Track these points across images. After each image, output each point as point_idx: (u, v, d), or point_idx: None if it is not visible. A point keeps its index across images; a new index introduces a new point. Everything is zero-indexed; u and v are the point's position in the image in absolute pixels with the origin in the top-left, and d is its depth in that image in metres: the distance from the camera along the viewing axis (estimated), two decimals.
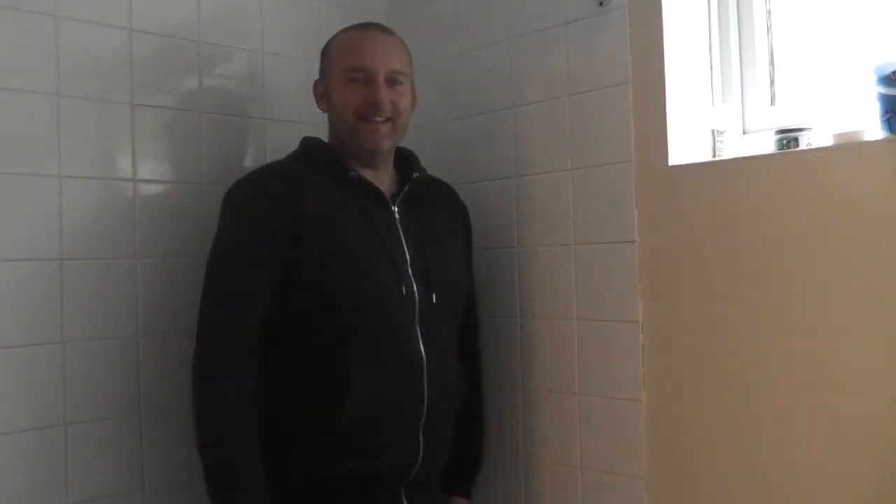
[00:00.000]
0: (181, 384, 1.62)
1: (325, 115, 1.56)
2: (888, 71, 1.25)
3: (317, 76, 1.58)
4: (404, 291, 1.44)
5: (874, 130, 1.29)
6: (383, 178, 1.54)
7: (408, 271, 1.46)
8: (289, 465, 1.41)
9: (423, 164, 1.63)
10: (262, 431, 1.39)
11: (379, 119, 1.47)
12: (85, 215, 1.52)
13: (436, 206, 1.60)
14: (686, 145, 1.53)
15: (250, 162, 1.76)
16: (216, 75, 1.73)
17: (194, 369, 1.40)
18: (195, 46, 1.69)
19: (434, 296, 1.48)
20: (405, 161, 1.60)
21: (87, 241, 1.52)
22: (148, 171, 1.62)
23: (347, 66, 1.48)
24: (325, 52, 1.56)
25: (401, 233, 1.49)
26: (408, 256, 1.48)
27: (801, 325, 1.33)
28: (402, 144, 1.61)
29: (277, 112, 1.80)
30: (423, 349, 1.45)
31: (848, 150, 1.31)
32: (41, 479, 1.45)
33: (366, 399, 1.39)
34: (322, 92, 1.55)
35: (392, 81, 1.49)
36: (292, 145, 1.59)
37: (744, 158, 1.47)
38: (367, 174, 1.51)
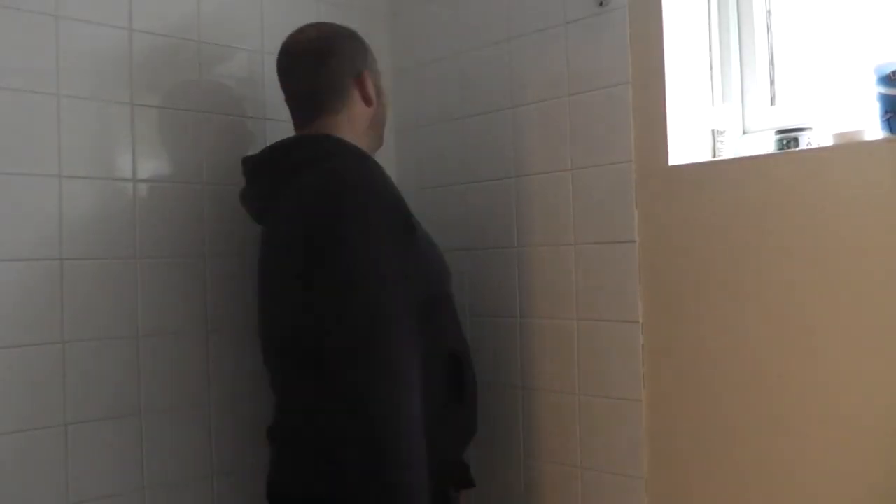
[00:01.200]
0: (181, 384, 1.63)
1: (361, 108, 1.50)
2: (888, 71, 1.25)
3: None
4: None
5: (874, 130, 1.29)
6: None
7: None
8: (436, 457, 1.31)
9: (423, 164, 1.66)
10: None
11: None
12: (85, 215, 1.52)
13: None
14: (686, 145, 1.53)
15: None
16: (216, 75, 1.73)
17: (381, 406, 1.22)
18: (195, 46, 1.69)
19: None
20: None
21: (87, 241, 1.52)
22: (148, 171, 1.62)
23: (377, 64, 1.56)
24: (362, 49, 1.53)
25: None
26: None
27: (801, 325, 1.33)
28: (399, 142, 1.61)
29: (277, 112, 1.79)
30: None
31: (848, 150, 1.31)
32: (41, 479, 1.45)
33: (471, 372, 1.48)
34: (372, 84, 1.51)
35: None
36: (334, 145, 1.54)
37: (744, 158, 1.47)
38: None
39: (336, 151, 1.41)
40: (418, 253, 1.34)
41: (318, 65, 1.48)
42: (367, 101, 1.50)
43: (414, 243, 1.33)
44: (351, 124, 1.49)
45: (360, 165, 1.37)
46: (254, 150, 1.77)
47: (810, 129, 1.42)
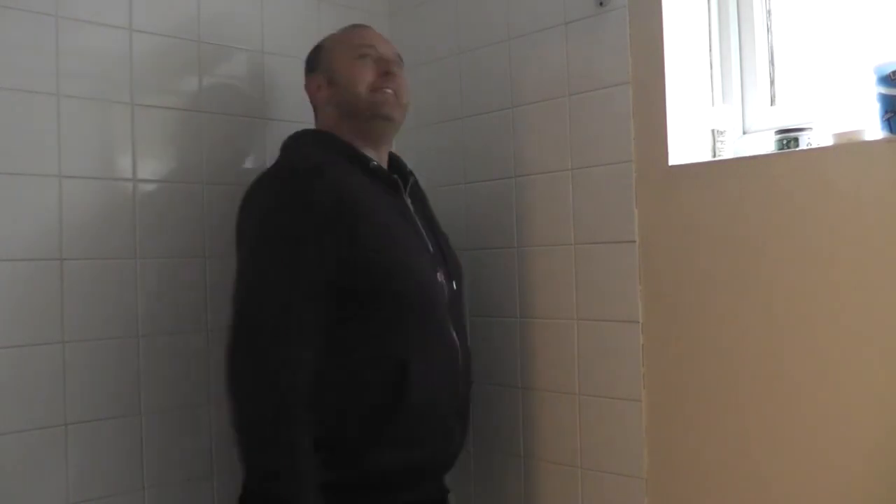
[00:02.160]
0: (181, 384, 1.63)
1: (320, 112, 1.56)
2: (888, 71, 1.25)
3: None
4: (440, 278, 1.46)
5: (874, 130, 1.29)
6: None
7: (435, 259, 1.49)
8: (345, 462, 1.36)
9: (423, 164, 1.65)
10: (323, 429, 1.33)
11: (389, 90, 1.50)
12: (85, 215, 1.52)
13: (425, 200, 1.64)
14: (686, 145, 1.53)
15: (250, 162, 1.76)
16: (216, 75, 1.73)
17: (247, 369, 1.31)
18: (195, 46, 1.69)
19: (454, 282, 1.52)
20: (393, 158, 1.62)
21: (87, 241, 1.52)
22: (148, 171, 1.62)
23: (355, 45, 1.52)
24: (319, 52, 1.58)
25: (418, 222, 1.51)
26: (429, 245, 1.50)
27: (802, 325, 1.33)
28: (399, 142, 1.61)
29: (277, 112, 1.80)
30: (455, 336, 1.47)
31: (848, 150, 1.31)
32: (41, 479, 1.45)
33: (422, 386, 1.37)
34: (319, 84, 1.54)
35: (396, 64, 1.55)
36: (310, 137, 1.56)
37: (744, 158, 1.47)
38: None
39: (301, 143, 1.51)
40: (349, 243, 1.33)
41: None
42: (318, 100, 1.55)
43: (338, 233, 1.32)
44: (326, 120, 1.54)
45: (293, 156, 1.46)
46: (254, 150, 1.78)
47: (810, 129, 1.42)
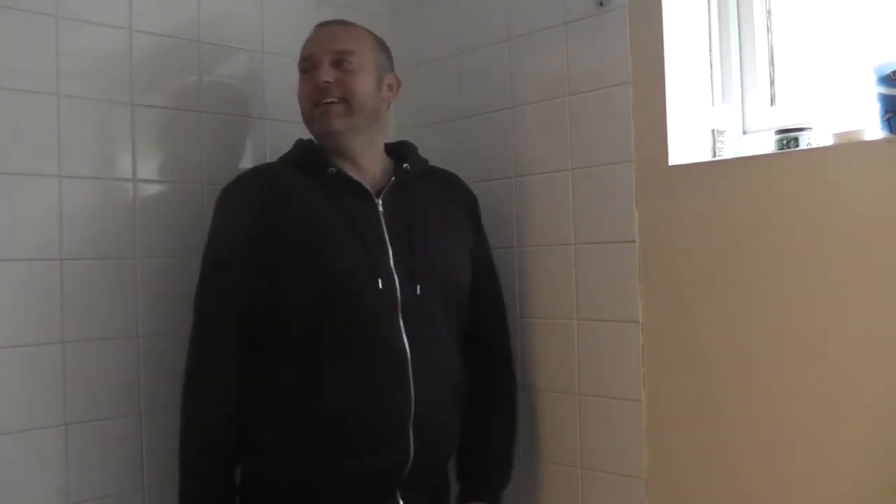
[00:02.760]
0: (181, 384, 1.63)
1: None
2: (888, 71, 1.25)
3: None
4: (381, 285, 1.41)
5: (874, 130, 1.29)
6: (368, 171, 1.52)
7: (388, 263, 1.43)
8: (275, 469, 1.42)
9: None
10: (247, 436, 1.42)
11: (328, 101, 1.47)
12: (85, 215, 1.52)
13: (434, 197, 1.57)
14: (686, 145, 1.53)
15: (250, 162, 1.76)
16: (216, 75, 1.73)
17: (186, 367, 1.45)
18: (195, 46, 1.69)
19: (418, 287, 1.45)
20: (400, 153, 1.59)
21: (87, 241, 1.52)
22: (148, 171, 1.62)
23: (301, 59, 1.54)
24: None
25: (384, 225, 1.46)
26: (390, 248, 1.44)
27: (802, 325, 1.33)
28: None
29: (277, 112, 1.80)
30: (406, 342, 1.41)
31: (848, 150, 1.31)
32: (41, 479, 1.45)
33: (342, 396, 1.37)
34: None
35: (339, 62, 1.49)
36: (292, 145, 1.57)
37: (744, 158, 1.47)
38: (349, 168, 1.50)
39: (281, 156, 1.57)
40: (275, 256, 1.41)
41: None
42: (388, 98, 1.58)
43: (263, 242, 1.41)
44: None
45: (240, 175, 1.52)
46: (254, 150, 1.78)
47: (810, 129, 1.42)
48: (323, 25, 1.56)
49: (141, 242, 1.59)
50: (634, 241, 1.54)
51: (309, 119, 1.51)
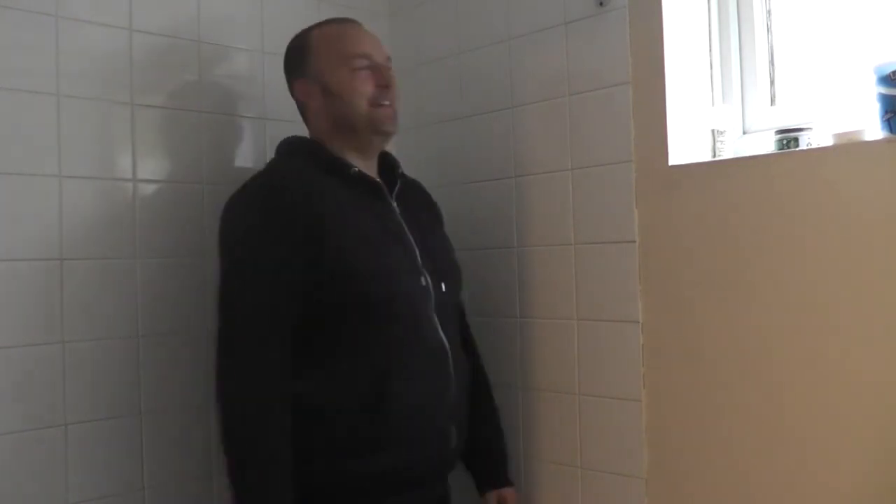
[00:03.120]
0: (181, 384, 1.63)
1: (311, 118, 1.54)
2: (888, 71, 1.25)
3: None
4: (423, 282, 1.45)
5: (874, 130, 1.29)
6: (370, 173, 1.53)
7: (419, 262, 1.47)
8: (332, 467, 1.38)
9: (422, 164, 1.64)
10: (302, 435, 1.35)
11: (387, 103, 1.48)
12: (85, 215, 1.52)
13: (419, 203, 1.61)
14: (686, 145, 1.53)
15: (250, 162, 1.76)
16: (216, 75, 1.73)
17: (229, 389, 1.35)
18: (195, 46, 1.69)
19: (443, 286, 1.49)
20: (386, 158, 1.59)
21: (87, 241, 1.52)
22: (148, 171, 1.62)
23: (350, 54, 1.47)
24: (305, 50, 1.51)
25: (404, 226, 1.49)
26: (416, 248, 1.47)
27: (802, 324, 1.33)
28: (399, 143, 1.61)
29: (277, 112, 1.79)
30: (444, 337, 1.45)
31: (848, 150, 1.31)
32: (41, 479, 1.45)
33: (403, 391, 1.38)
34: (311, 89, 1.50)
35: (391, 70, 1.52)
36: (290, 143, 1.56)
37: (744, 158, 1.47)
38: (365, 169, 1.50)
39: (282, 153, 1.53)
40: (321, 252, 1.35)
41: (285, 76, 1.59)
42: (308, 107, 1.52)
43: (309, 244, 1.34)
44: (318, 127, 1.52)
45: (263, 174, 1.45)
46: (254, 150, 1.78)
47: (810, 129, 1.42)
48: (355, 24, 1.54)
49: (141, 242, 1.59)
50: (634, 241, 1.54)
51: (368, 118, 1.47)
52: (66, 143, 1.50)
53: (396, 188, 1.53)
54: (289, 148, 1.53)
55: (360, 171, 1.47)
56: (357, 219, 1.42)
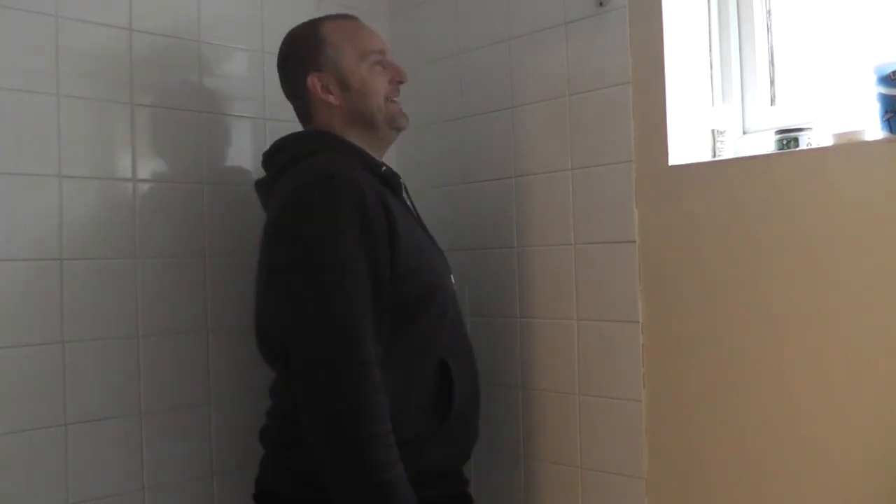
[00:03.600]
0: (181, 384, 1.63)
1: (322, 111, 1.48)
2: (888, 71, 1.25)
3: None
4: (453, 279, 1.49)
5: (874, 130, 1.29)
6: None
7: (446, 261, 1.50)
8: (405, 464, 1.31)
9: (423, 164, 1.64)
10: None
11: (397, 99, 1.50)
12: (85, 215, 1.52)
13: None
14: (686, 145, 1.53)
15: (250, 162, 1.76)
16: (216, 75, 1.73)
17: (330, 402, 1.24)
18: (195, 46, 1.69)
19: (453, 278, 1.51)
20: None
21: (87, 241, 1.52)
22: (148, 171, 1.62)
23: (368, 50, 1.47)
24: (319, 43, 1.47)
25: (423, 225, 1.52)
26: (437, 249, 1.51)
27: (801, 325, 1.33)
28: (399, 142, 1.61)
29: (277, 112, 1.79)
30: (467, 333, 1.51)
31: (848, 150, 1.31)
32: (41, 479, 1.45)
33: (460, 386, 1.40)
34: (328, 83, 1.45)
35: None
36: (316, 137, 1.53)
37: (744, 158, 1.47)
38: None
39: (323, 148, 1.43)
40: (396, 251, 1.31)
41: (281, 73, 1.54)
42: (322, 100, 1.47)
43: (388, 241, 1.30)
44: (331, 122, 1.48)
45: (330, 164, 1.35)
46: (254, 150, 1.78)
47: (810, 129, 1.42)
48: (358, 19, 1.53)
49: (141, 242, 1.59)
50: (634, 241, 1.54)
51: (386, 113, 1.47)
52: (66, 143, 1.50)
53: (403, 186, 1.52)
54: (323, 143, 1.45)
55: (388, 167, 1.46)
56: (406, 218, 1.40)
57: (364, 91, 1.46)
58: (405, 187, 1.52)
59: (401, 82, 1.50)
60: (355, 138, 1.47)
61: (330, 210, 1.28)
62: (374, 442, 1.23)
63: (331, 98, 1.46)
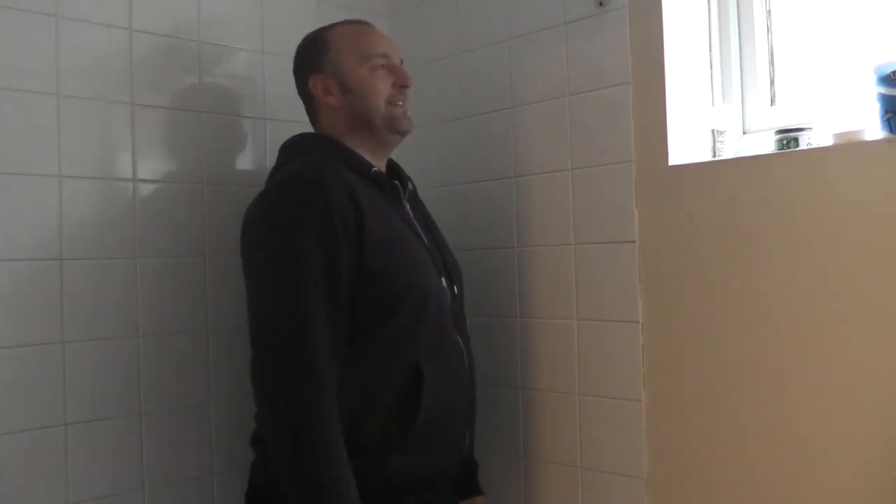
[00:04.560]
0: (181, 384, 1.63)
1: (324, 114, 1.51)
2: (888, 71, 1.25)
3: None
4: (444, 282, 1.45)
5: (874, 130, 1.29)
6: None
7: (438, 264, 1.47)
8: (366, 470, 1.32)
9: (423, 164, 1.64)
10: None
11: (401, 103, 1.50)
12: (85, 215, 1.52)
13: (421, 205, 1.61)
14: (686, 145, 1.53)
15: (250, 162, 1.76)
16: (216, 75, 1.73)
17: (277, 388, 1.29)
18: (195, 46, 1.69)
19: (456, 288, 1.50)
20: (392, 163, 1.59)
21: (87, 241, 1.52)
22: (148, 171, 1.62)
23: (370, 54, 1.48)
24: (324, 46, 1.50)
25: (418, 227, 1.49)
26: (431, 251, 1.48)
27: (801, 325, 1.33)
28: (401, 144, 1.61)
29: (277, 112, 1.80)
30: (460, 340, 1.46)
31: (848, 150, 1.31)
32: (41, 479, 1.45)
33: (435, 392, 1.37)
34: (327, 87, 1.48)
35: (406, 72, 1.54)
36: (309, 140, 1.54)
37: (744, 158, 1.47)
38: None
39: (310, 150, 1.46)
40: (362, 247, 1.32)
41: (294, 76, 1.57)
42: (323, 102, 1.49)
43: (354, 237, 1.31)
44: (332, 125, 1.50)
45: (303, 167, 1.39)
46: (254, 150, 1.78)
47: (810, 129, 1.42)
48: (371, 25, 1.55)
49: (141, 242, 1.59)
50: (634, 241, 1.54)
51: (386, 116, 1.48)
52: (66, 143, 1.50)
53: (408, 190, 1.53)
54: (314, 145, 1.48)
55: (379, 170, 1.47)
56: (386, 220, 1.40)
57: (363, 93, 1.47)
58: (410, 190, 1.53)
59: (404, 86, 1.50)
60: (356, 140, 1.48)
61: (289, 209, 1.32)
62: (315, 444, 1.25)
63: (330, 99, 1.48)
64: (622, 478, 1.56)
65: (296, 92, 1.56)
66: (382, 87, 1.47)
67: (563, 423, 1.66)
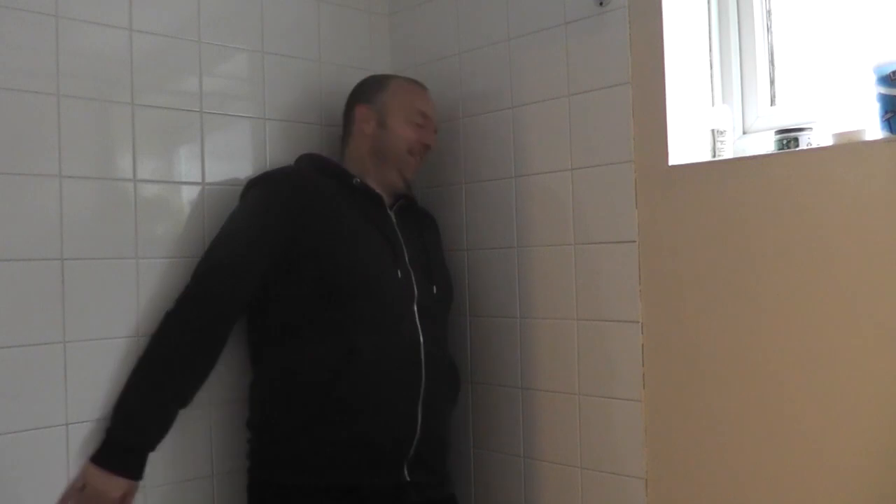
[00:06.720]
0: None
1: (361, 136, 1.68)
2: (888, 71, 1.25)
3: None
4: (399, 275, 1.58)
5: (874, 130, 1.29)
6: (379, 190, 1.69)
7: (405, 259, 1.61)
8: (287, 435, 1.53)
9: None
10: (260, 417, 1.58)
11: (418, 157, 1.69)
12: (85, 215, 1.52)
13: (424, 225, 1.76)
14: (686, 145, 1.53)
15: (250, 162, 1.76)
16: (216, 75, 1.73)
17: (172, 311, 1.52)
18: (195, 46, 1.69)
19: (435, 287, 1.64)
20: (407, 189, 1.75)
21: (87, 241, 1.52)
22: (148, 171, 1.61)
23: (416, 109, 1.69)
24: (381, 86, 1.71)
25: (398, 232, 1.64)
26: (405, 250, 1.62)
27: (801, 325, 1.33)
28: None
29: (277, 112, 1.80)
30: (420, 330, 1.57)
31: (848, 150, 1.31)
32: (41, 479, 1.45)
33: (366, 367, 1.50)
34: (369, 116, 1.68)
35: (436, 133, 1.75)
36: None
37: (744, 158, 1.47)
38: (370, 183, 1.67)
39: (300, 163, 1.69)
40: (308, 230, 1.53)
41: (348, 97, 1.76)
42: (358, 127, 1.69)
43: (301, 219, 1.53)
44: (357, 147, 1.70)
45: (280, 169, 1.65)
46: (254, 150, 1.78)
47: (810, 129, 1.42)
48: (426, 90, 1.75)
49: (141, 242, 1.59)
50: (634, 241, 1.54)
51: (400, 162, 1.67)
52: (66, 143, 1.50)
53: (398, 203, 1.70)
54: (303, 159, 1.69)
55: (361, 181, 1.64)
56: (346, 214, 1.58)
57: (394, 134, 1.67)
58: (402, 204, 1.71)
59: (427, 146, 1.69)
60: (370, 168, 1.68)
61: (254, 196, 1.59)
62: (165, 357, 1.50)
63: (366, 127, 1.69)
64: (622, 478, 1.56)
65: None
66: (411, 137, 1.67)
67: (563, 423, 1.66)
